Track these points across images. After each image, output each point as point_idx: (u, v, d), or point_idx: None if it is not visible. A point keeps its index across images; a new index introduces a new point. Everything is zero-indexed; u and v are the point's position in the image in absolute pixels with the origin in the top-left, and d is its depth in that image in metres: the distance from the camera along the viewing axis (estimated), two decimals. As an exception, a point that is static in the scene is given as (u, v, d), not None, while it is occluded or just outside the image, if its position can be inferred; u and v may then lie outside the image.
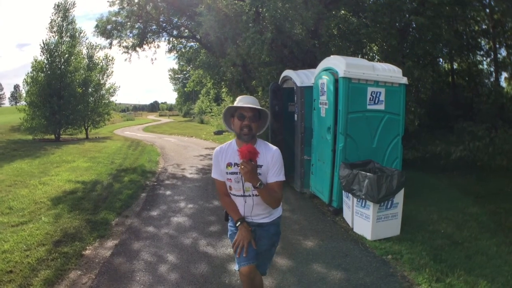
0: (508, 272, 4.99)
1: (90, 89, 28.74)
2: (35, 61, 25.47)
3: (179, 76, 78.65)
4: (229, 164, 3.39)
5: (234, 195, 3.45)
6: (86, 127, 29.21)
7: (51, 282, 4.74)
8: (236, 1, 15.51)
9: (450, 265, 5.18)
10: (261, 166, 3.28)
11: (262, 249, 3.52)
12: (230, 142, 3.49)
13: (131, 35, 21.48)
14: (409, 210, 7.33)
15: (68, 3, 26.44)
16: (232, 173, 3.38)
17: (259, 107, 3.33)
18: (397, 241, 6.15)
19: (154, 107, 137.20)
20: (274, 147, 3.42)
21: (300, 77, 9.31)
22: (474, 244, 6.02)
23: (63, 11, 26.21)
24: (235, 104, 3.37)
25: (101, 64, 29.93)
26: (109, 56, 30.37)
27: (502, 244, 5.98)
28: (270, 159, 3.32)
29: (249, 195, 3.38)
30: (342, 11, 15.04)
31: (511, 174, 10.43)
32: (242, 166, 3.03)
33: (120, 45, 21.68)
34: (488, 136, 11.81)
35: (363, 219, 6.46)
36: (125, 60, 24.33)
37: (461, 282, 4.70)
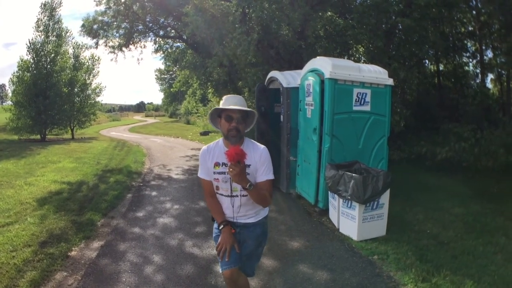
0: (494, 272, 5.04)
1: (76, 89, 28.48)
2: (21, 61, 25.25)
3: (166, 76, 78.41)
4: (216, 164, 3.37)
5: (221, 194, 3.43)
6: (72, 127, 28.95)
7: (37, 283, 4.71)
8: (222, 2, 15.48)
9: (436, 265, 5.22)
10: (249, 165, 3.25)
11: (248, 250, 3.52)
12: (217, 141, 3.47)
13: (117, 35, 21.41)
14: (395, 210, 7.36)
15: (55, 2, 26.22)
16: (219, 173, 3.36)
17: (246, 109, 3.30)
18: (383, 242, 6.18)
19: (140, 108, 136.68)
20: (262, 146, 3.40)
21: (286, 78, 9.32)
22: (460, 244, 6.08)
23: (50, 10, 25.96)
24: (221, 103, 3.35)
25: (87, 64, 29.63)
26: (95, 56, 30.09)
27: (488, 244, 6.04)
28: (259, 158, 3.31)
29: (237, 195, 3.36)
30: (329, 13, 15.07)
31: (497, 175, 10.51)
32: (231, 169, 2.98)
33: (106, 45, 21.60)
34: (473, 137, 11.88)
35: (349, 220, 6.48)
36: (111, 60, 24.34)
37: (447, 282, 4.73)
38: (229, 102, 3.31)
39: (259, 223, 3.54)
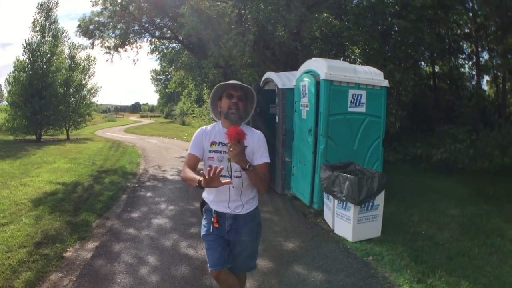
0: (489, 273, 5.05)
1: (71, 90, 28.45)
2: (17, 61, 25.24)
3: (161, 77, 78.30)
4: (213, 143, 3.40)
5: None
6: (67, 128, 28.92)
7: (32, 284, 4.70)
8: (219, 3, 15.49)
9: (431, 266, 5.22)
10: (246, 147, 3.26)
11: (245, 246, 3.53)
12: (214, 124, 3.52)
13: (113, 35, 21.35)
14: (390, 211, 7.38)
15: (51, 3, 26.21)
16: (215, 151, 3.39)
17: (247, 86, 3.42)
18: (378, 243, 6.19)
19: (135, 108, 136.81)
20: (258, 131, 3.49)
21: (281, 79, 9.31)
22: (455, 245, 6.10)
23: (46, 10, 25.96)
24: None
25: (83, 64, 29.60)
26: (91, 57, 30.11)
27: (484, 245, 6.07)
28: (256, 141, 3.39)
29: (230, 176, 3.34)
30: (325, 14, 15.10)
31: (492, 177, 10.56)
32: (231, 149, 3.03)
33: (102, 46, 21.53)
34: (469, 139, 11.91)
35: (344, 221, 6.48)
36: (107, 60, 24.10)
37: (442, 283, 4.75)
38: (230, 83, 3.42)
39: (250, 214, 3.52)
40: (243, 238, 3.50)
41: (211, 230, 3.44)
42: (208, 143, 3.41)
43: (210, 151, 3.40)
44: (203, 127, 3.54)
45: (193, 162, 3.43)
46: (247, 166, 3.12)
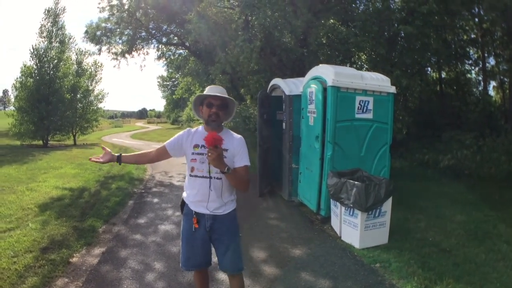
0: (496, 279, 5.02)
1: (78, 95, 28.54)
2: (24, 66, 25.25)
3: (168, 83, 78.61)
4: (196, 146, 3.57)
5: (196, 176, 3.57)
6: (74, 134, 29.00)
7: (38, 289, 4.70)
8: (226, 9, 15.55)
9: (439, 273, 5.18)
10: (227, 150, 3.44)
11: (226, 244, 3.63)
12: (197, 128, 3.72)
13: (120, 41, 21.52)
14: (397, 218, 7.35)
15: (58, 9, 26.25)
16: (198, 154, 3.55)
17: (226, 96, 3.56)
18: (385, 249, 6.16)
19: (142, 114, 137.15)
20: (239, 136, 3.64)
21: (288, 86, 9.32)
22: (462, 252, 6.05)
23: (53, 16, 26.01)
24: (205, 92, 3.60)
25: (90, 70, 29.72)
26: (98, 62, 30.21)
27: (491, 252, 6.02)
28: (237, 145, 3.52)
29: (211, 177, 3.51)
30: (331, 20, 15.14)
31: (499, 182, 10.52)
32: (209, 154, 3.18)
33: (109, 52, 21.74)
34: (475, 145, 11.90)
35: (351, 228, 6.47)
36: (114, 66, 24.29)
37: (449, 290, 4.71)
38: (211, 91, 3.56)
39: (229, 215, 3.65)
40: (223, 238, 3.62)
41: (193, 230, 3.61)
42: (191, 145, 3.58)
43: (193, 153, 3.57)
44: (190, 129, 3.75)
45: (161, 152, 3.81)
46: (226, 169, 3.28)
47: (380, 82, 7.92)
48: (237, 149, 3.50)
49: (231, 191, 3.63)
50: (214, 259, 3.74)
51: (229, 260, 3.65)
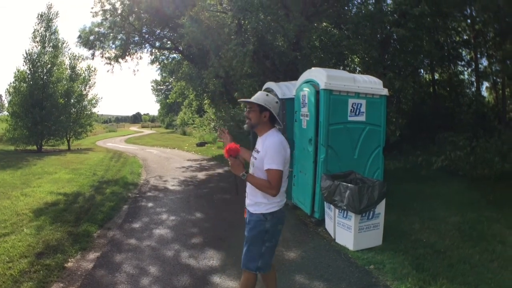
0: (491, 280, 5.06)
1: (72, 100, 28.51)
2: (18, 71, 25.25)
3: (162, 87, 78.42)
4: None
5: None
6: (68, 138, 28.92)
7: (34, 294, 4.68)
8: (218, 13, 15.56)
9: (433, 274, 5.22)
10: (258, 152, 3.76)
11: (246, 239, 3.87)
12: None
13: (113, 46, 21.47)
14: (391, 220, 7.38)
15: (52, 13, 26.25)
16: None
17: (249, 100, 3.79)
18: (379, 251, 6.19)
19: (136, 119, 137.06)
20: (275, 138, 3.71)
21: (281, 89, 9.36)
22: (456, 253, 6.08)
23: (46, 21, 25.99)
24: None
25: (83, 75, 29.67)
26: (92, 67, 30.16)
27: (485, 252, 6.06)
28: (266, 147, 3.67)
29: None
30: (324, 23, 15.21)
31: (492, 183, 10.57)
32: (230, 162, 3.64)
33: (102, 56, 21.66)
34: (469, 146, 11.94)
35: (345, 230, 6.49)
36: (108, 71, 24.36)
37: (444, 291, 4.74)
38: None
39: (255, 214, 3.79)
40: (245, 233, 3.88)
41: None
42: None
43: None
44: None
45: None
46: (241, 175, 3.62)
47: (372, 84, 7.96)
48: (265, 151, 3.65)
49: (255, 193, 3.77)
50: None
51: (243, 254, 3.84)
